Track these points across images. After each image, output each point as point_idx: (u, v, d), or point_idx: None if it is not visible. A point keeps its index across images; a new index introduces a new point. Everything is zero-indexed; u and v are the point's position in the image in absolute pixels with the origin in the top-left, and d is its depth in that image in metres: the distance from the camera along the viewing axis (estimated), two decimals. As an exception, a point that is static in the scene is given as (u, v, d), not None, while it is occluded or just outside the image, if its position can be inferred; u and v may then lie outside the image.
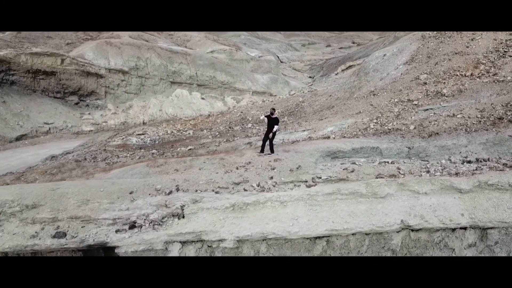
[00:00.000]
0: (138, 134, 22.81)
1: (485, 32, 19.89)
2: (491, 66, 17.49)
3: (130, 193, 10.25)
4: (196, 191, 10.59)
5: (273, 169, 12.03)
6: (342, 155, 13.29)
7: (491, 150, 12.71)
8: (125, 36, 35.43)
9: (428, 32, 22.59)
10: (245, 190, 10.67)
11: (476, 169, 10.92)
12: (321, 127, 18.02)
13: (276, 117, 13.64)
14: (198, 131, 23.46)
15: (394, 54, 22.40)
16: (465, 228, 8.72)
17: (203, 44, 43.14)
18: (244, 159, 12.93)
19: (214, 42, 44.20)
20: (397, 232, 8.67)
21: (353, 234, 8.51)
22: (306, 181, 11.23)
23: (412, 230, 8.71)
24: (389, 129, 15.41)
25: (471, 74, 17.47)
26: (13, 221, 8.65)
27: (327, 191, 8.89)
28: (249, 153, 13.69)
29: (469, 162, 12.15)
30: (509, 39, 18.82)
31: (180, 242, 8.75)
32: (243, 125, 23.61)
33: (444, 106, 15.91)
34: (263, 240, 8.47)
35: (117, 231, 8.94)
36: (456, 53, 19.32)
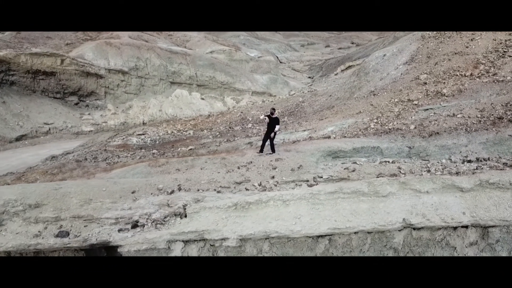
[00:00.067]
0: (139, 134, 22.84)
1: (484, 32, 19.97)
2: (490, 66, 17.56)
3: (132, 192, 10.28)
4: (198, 190, 10.61)
5: (275, 168, 12.07)
6: (343, 154, 13.33)
7: (491, 150, 12.76)
8: (124, 36, 35.45)
9: (427, 32, 22.67)
10: (246, 189, 10.70)
11: (476, 169, 10.97)
12: (321, 127, 18.07)
13: (276, 117, 13.68)
14: (198, 131, 23.49)
15: (394, 54, 22.47)
16: (466, 227, 8.77)
17: (202, 45, 43.18)
18: (245, 158, 12.97)
19: (213, 43, 44.25)
20: (399, 230, 8.72)
21: (355, 232, 8.56)
22: (308, 181, 11.26)
23: (414, 229, 8.75)
24: (389, 128, 15.47)
25: (471, 74, 17.54)
26: (16, 221, 8.67)
27: (329, 190, 8.94)
28: (250, 152, 13.73)
29: (470, 161, 12.20)
30: (509, 39, 18.91)
31: (183, 241, 8.77)
32: (243, 125, 23.65)
33: (444, 106, 15.98)
34: (265, 239, 8.50)
35: (119, 230, 8.96)
36: (455, 53, 19.39)
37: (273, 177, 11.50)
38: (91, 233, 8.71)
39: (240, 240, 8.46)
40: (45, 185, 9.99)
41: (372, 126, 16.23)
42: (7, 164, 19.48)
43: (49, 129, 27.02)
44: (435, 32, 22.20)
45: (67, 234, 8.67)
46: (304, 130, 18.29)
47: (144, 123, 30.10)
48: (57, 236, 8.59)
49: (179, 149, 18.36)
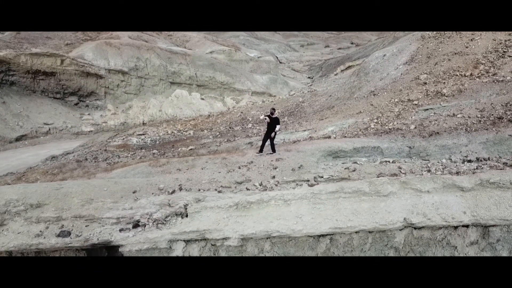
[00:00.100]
0: (139, 135, 22.85)
1: (484, 32, 20.02)
2: (490, 66, 17.60)
3: (133, 192, 10.29)
4: (199, 190, 10.62)
5: (275, 168, 12.08)
6: (344, 154, 13.35)
7: (491, 150, 12.79)
8: (124, 36, 35.48)
9: (427, 32, 22.72)
10: (247, 189, 10.71)
11: (476, 168, 11.00)
12: (321, 127, 18.10)
13: (276, 117, 13.70)
14: (198, 131, 23.51)
15: (394, 54, 22.51)
16: (467, 226, 8.79)
17: (202, 45, 43.22)
18: (246, 158, 12.99)
19: (213, 43, 44.29)
20: (400, 230, 8.73)
21: (356, 232, 8.57)
22: (308, 181, 11.28)
23: (415, 228, 8.77)
24: (389, 128, 15.49)
25: (471, 74, 17.58)
26: (17, 220, 8.68)
27: (331, 190, 8.95)
28: (251, 152, 13.76)
29: (470, 161, 12.23)
30: (508, 40, 18.95)
31: (184, 240, 8.78)
32: (243, 125, 23.67)
33: (444, 106, 16.01)
34: (267, 238, 8.52)
35: (121, 230, 8.97)
36: (455, 53, 19.44)
37: (273, 177, 11.52)
38: (92, 233, 8.72)
39: (241, 240, 8.47)
40: (46, 185, 10.00)
41: (372, 126, 16.25)
42: (7, 164, 19.49)
43: (49, 129, 27.03)
44: (435, 32, 22.24)
45: (68, 233, 8.68)
46: (305, 130, 18.32)
47: (144, 123, 30.12)
48: (58, 235, 8.60)
49: (180, 149, 18.38)
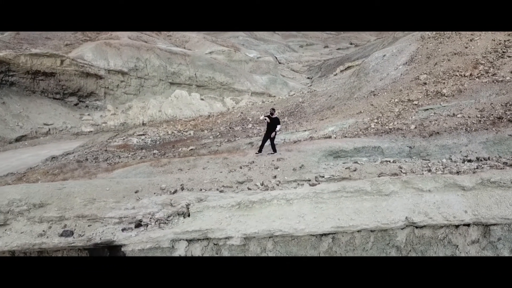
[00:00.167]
0: (139, 135, 22.86)
1: (483, 32, 20.10)
2: (490, 67, 17.68)
3: (136, 192, 10.31)
4: (201, 190, 10.65)
5: (276, 168, 12.12)
6: (344, 154, 13.39)
7: (491, 149, 12.85)
8: (124, 37, 35.50)
9: (427, 32, 22.80)
10: (249, 189, 10.74)
11: (477, 168, 11.05)
12: (322, 127, 18.14)
13: (276, 117, 13.72)
14: (198, 132, 23.53)
15: (394, 55, 22.58)
16: (468, 225, 8.84)
17: (201, 45, 43.27)
18: (247, 158, 13.02)
19: (212, 43, 44.34)
20: (402, 229, 8.78)
21: (358, 231, 8.61)
22: (309, 180, 11.32)
23: (417, 227, 8.82)
24: (390, 128, 15.55)
25: (470, 74, 17.65)
26: (20, 220, 8.70)
27: (333, 189, 9.00)
28: (252, 152, 13.80)
29: (470, 161, 12.28)
30: (507, 40, 19.04)
31: (187, 240, 8.81)
32: (243, 125, 23.70)
33: (444, 106, 16.07)
34: (269, 237, 8.55)
35: (123, 229, 9.00)
36: (455, 54, 19.51)
37: (275, 176, 11.56)
38: (95, 233, 8.74)
39: (244, 239, 8.50)
40: (49, 185, 10.01)
41: (373, 126, 16.31)
42: (7, 165, 19.48)
43: (49, 129, 27.02)
44: (434, 33, 22.32)
45: (71, 233, 8.70)
46: (305, 130, 18.36)
47: (143, 124, 30.13)
48: (61, 235, 8.62)
49: (180, 149, 18.40)
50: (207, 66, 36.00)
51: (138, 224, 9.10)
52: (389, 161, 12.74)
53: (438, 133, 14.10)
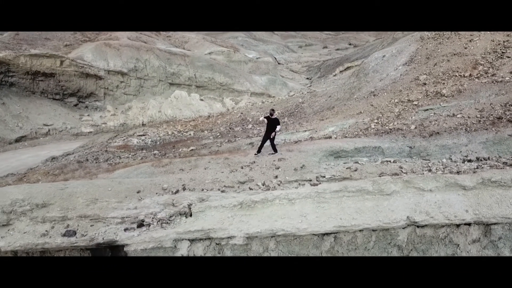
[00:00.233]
0: (139, 135, 22.87)
1: (483, 33, 20.18)
2: (489, 67, 17.75)
3: (138, 192, 10.34)
4: (203, 190, 10.68)
5: (278, 168, 12.16)
6: (345, 154, 13.44)
7: (491, 149, 12.91)
8: (123, 37, 35.50)
9: (426, 33, 22.87)
10: (250, 189, 10.78)
11: (477, 168, 11.10)
12: (322, 127, 18.19)
13: (276, 118, 13.74)
14: (198, 132, 23.55)
15: (393, 55, 22.64)
16: (469, 224, 8.89)
17: (201, 46, 43.30)
18: (248, 158, 13.05)
19: (212, 44, 44.39)
20: (403, 228, 8.83)
21: (360, 230, 8.66)
22: (310, 180, 11.35)
23: (418, 226, 8.87)
24: (390, 129, 15.60)
25: (470, 75, 17.72)
26: (23, 220, 8.71)
27: (335, 189, 9.04)
28: (253, 153, 13.83)
29: (470, 161, 12.33)
30: (507, 40, 19.12)
31: (189, 239, 8.84)
32: (243, 126, 23.74)
33: (444, 106, 16.14)
34: (272, 237, 8.59)
35: (125, 229, 9.02)
36: (454, 54, 19.58)
37: (276, 176, 11.59)
38: (97, 232, 8.77)
39: (246, 238, 8.53)
40: (51, 185, 10.03)
41: (373, 126, 16.36)
42: (7, 165, 19.48)
43: (49, 130, 27.01)
44: (434, 33, 22.39)
45: (74, 233, 8.72)
46: (305, 131, 18.40)
47: (143, 124, 30.14)
48: (64, 235, 8.64)
49: (181, 149, 18.42)
50: (207, 66, 36.04)
51: (140, 224, 9.13)
52: (390, 161, 12.79)
53: (438, 133, 14.15)
